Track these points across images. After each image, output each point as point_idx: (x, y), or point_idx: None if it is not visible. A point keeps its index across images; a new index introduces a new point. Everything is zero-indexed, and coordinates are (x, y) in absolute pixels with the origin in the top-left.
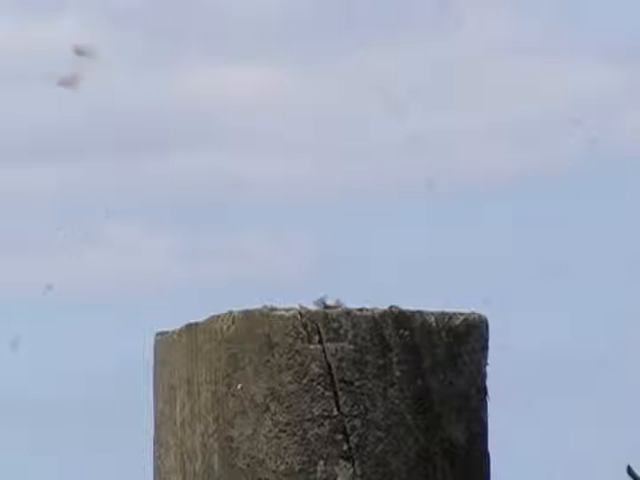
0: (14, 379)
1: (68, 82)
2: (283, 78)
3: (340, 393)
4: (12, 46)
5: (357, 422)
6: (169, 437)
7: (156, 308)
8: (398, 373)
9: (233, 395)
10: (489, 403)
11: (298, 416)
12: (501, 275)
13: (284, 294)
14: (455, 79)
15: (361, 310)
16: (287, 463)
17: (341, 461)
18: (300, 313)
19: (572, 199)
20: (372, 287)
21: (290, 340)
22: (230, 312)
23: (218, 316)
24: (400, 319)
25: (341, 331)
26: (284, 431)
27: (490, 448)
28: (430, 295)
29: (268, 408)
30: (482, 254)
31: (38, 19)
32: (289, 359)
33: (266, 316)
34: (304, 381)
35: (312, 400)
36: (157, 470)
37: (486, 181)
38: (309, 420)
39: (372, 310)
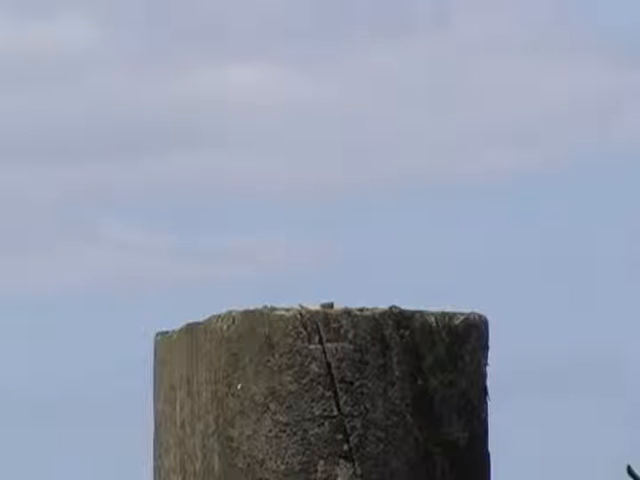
0: (14, 378)
1: None
2: (283, 78)
3: (340, 393)
4: (12, 46)
5: (357, 422)
6: (169, 437)
7: (156, 308)
8: (398, 373)
9: (233, 395)
10: (489, 403)
11: (298, 416)
12: (501, 275)
13: (284, 294)
14: (455, 79)
15: (361, 310)
16: (287, 463)
17: (341, 461)
18: (300, 313)
19: (572, 199)
20: (372, 287)
21: (290, 340)
22: (230, 312)
23: (218, 316)
24: (400, 319)
25: (341, 331)
26: (284, 431)
27: (490, 448)
28: (430, 295)
29: (268, 408)
30: (482, 253)
31: (38, 19)
32: (289, 359)
33: (266, 316)
34: (304, 381)
35: (312, 400)
36: (157, 470)
37: (486, 181)
38: (309, 420)
39: (372, 310)
